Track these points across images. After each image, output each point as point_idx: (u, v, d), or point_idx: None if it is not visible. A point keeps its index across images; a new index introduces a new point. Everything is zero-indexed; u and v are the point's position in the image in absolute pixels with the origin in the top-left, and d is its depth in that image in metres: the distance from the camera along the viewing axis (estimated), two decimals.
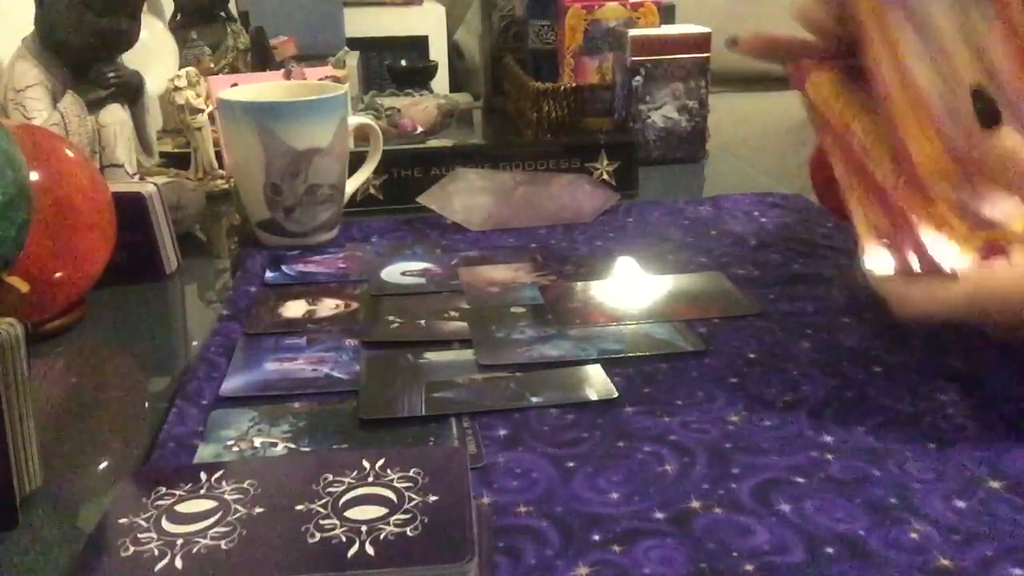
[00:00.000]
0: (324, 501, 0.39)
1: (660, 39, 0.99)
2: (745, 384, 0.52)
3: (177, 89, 0.87)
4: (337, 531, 0.37)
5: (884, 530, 0.39)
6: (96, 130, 0.78)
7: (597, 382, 0.53)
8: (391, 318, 0.62)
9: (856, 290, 0.64)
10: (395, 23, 2.18)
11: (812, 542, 0.39)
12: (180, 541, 0.37)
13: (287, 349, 0.58)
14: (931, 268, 0.47)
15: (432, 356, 0.57)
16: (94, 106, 0.78)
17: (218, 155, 0.91)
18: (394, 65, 1.29)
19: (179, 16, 1.18)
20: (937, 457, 0.45)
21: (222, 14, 1.19)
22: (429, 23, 2.23)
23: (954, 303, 0.46)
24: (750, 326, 0.60)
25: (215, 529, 0.37)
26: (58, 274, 0.60)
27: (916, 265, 0.48)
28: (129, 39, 0.79)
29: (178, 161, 0.92)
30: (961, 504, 0.41)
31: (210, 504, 0.39)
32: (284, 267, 0.72)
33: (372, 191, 0.86)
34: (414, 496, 0.39)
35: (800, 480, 0.43)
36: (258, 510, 0.38)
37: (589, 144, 0.90)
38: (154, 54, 1.03)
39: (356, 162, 0.81)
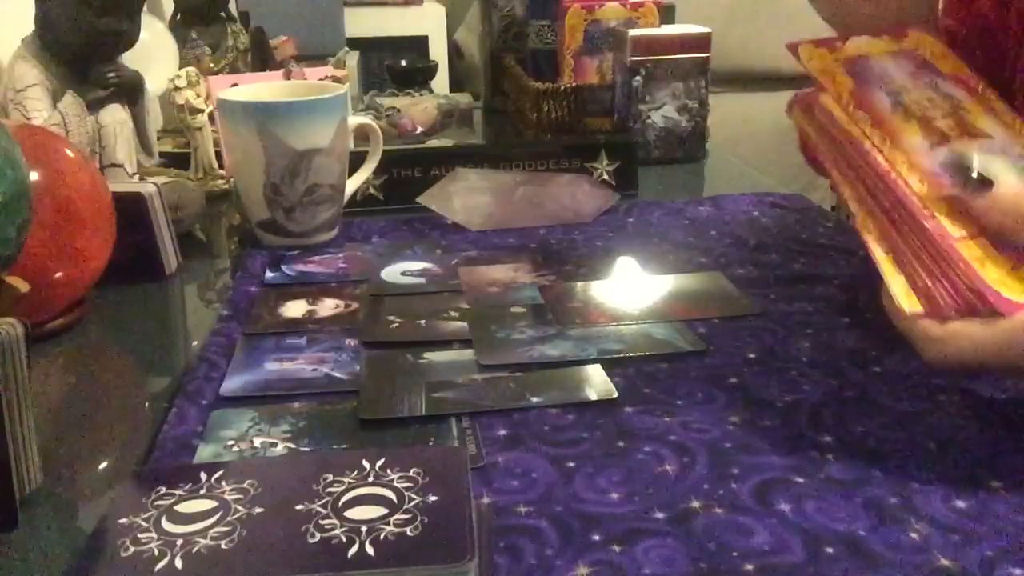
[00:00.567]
0: (324, 501, 0.39)
1: (660, 39, 0.99)
2: (745, 384, 0.52)
3: (177, 89, 0.87)
4: (337, 531, 0.37)
5: (884, 530, 0.39)
6: (96, 130, 0.78)
7: (597, 382, 0.53)
8: (391, 318, 0.62)
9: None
10: (395, 23, 2.19)
11: (812, 542, 0.39)
12: (180, 541, 0.37)
13: (287, 349, 0.58)
14: (968, 308, 0.43)
15: (432, 356, 0.57)
16: (94, 106, 0.78)
17: (218, 155, 0.91)
18: (394, 65, 1.29)
19: (179, 16, 1.18)
20: (937, 457, 0.45)
21: (222, 14, 1.19)
22: (429, 23, 2.23)
23: (994, 347, 0.42)
24: (750, 326, 0.60)
25: (215, 529, 0.37)
26: (58, 274, 0.60)
27: (949, 302, 0.44)
28: (129, 39, 0.79)
29: (178, 161, 0.92)
30: (961, 504, 0.41)
31: (210, 504, 0.39)
32: (284, 267, 0.72)
33: (372, 191, 0.86)
34: (414, 496, 0.39)
35: (800, 480, 0.43)
36: (258, 510, 0.38)
37: (589, 144, 0.90)
38: (154, 54, 1.03)
39: (356, 162, 0.81)
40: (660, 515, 0.41)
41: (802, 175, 0.76)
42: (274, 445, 0.47)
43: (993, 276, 0.43)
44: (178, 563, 0.35)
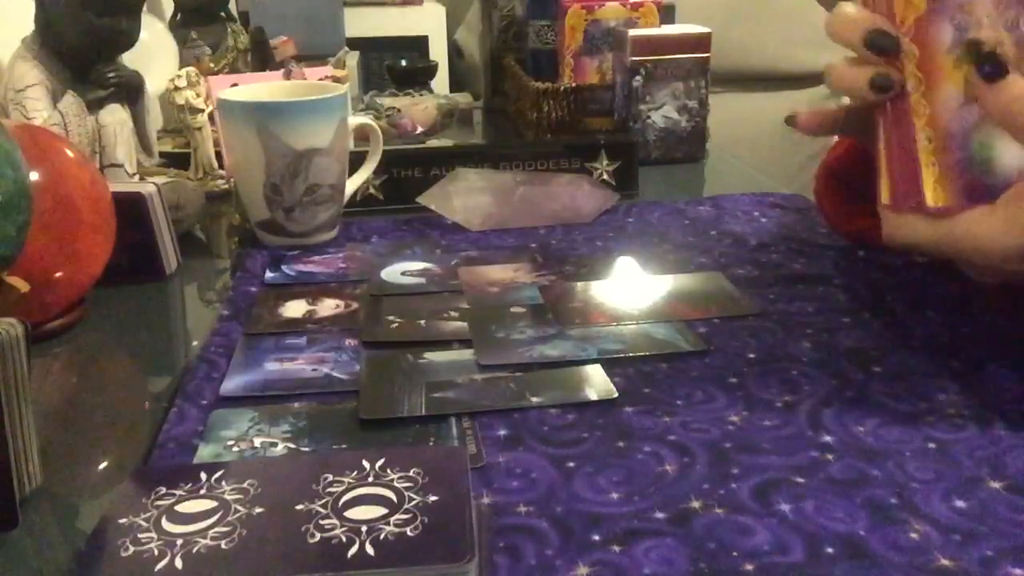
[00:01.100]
0: (324, 501, 0.39)
1: (660, 39, 0.99)
2: (745, 384, 0.52)
3: (177, 89, 0.87)
4: (337, 531, 0.37)
5: (884, 530, 0.39)
6: (96, 130, 0.78)
7: (597, 382, 0.53)
8: (391, 318, 0.62)
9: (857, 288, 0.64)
10: (395, 23, 2.19)
11: (812, 542, 0.39)
12: (180, 541, 0.37)
13: (287, 349, 0.58)
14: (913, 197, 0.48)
15: (432, 356, 0.57)
16: (94, 106, 0.78)
17: (218, 155, 0.91)
18: (394, 65, 1.29)
19: (179, 16, 1.18)
20: (937, 457, 0.45)
21: (222, 14, 1.19)
22: (429, 23, 2.23)
23: (930, 240, 0.48)
24: (750, 326, 0.60)
25: (215, 529, 0.37)
26: (58, 274, 0.60)
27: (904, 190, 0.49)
28: (129, 39, 0.79)
29: (178, 161, 0.92)
30: (961, 504, 0.41)
31: (210, 504, 0.39)
32: (284, 267, 0.72)
33: (372, 191, 0.86)
34: (414, 496, 0.39)
35: (800, 480, 0.43)
36: (258, 510, 0.38)
37: (589, 144, 0.90)
38: (154, 54, 1.03)
39: (356, 162, 0.81)
40: (660, 515, 0.41)
41: (802, 175, 0.76)
42: (274, 445, 0.47)
43: (930, 177, 0.48)
44: (178, 563, 0.35)
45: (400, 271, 0.71)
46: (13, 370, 0.42)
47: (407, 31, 2.19)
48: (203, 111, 0.88)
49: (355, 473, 0.41)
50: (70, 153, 0.63)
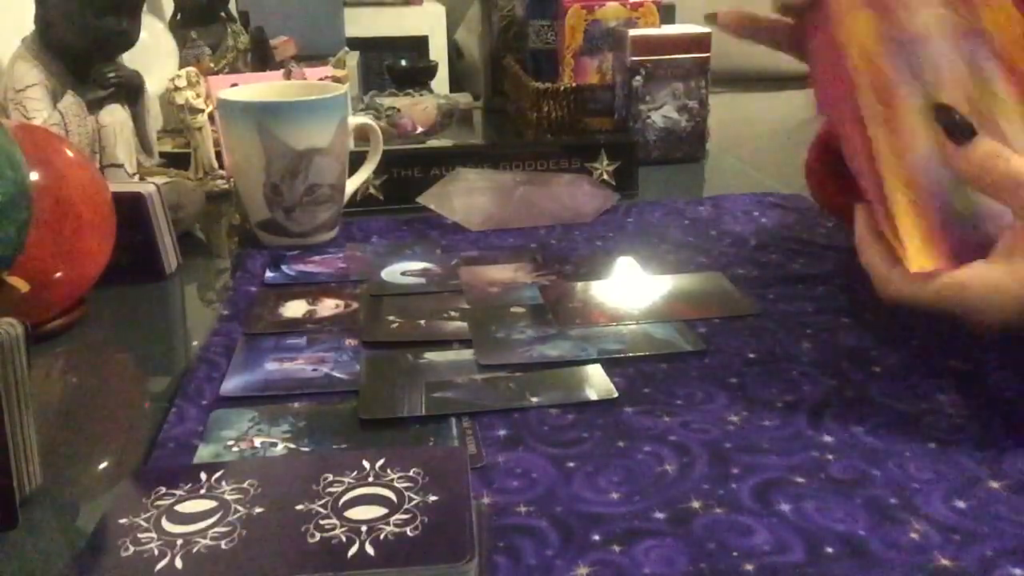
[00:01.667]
0: (324, 501, 0.39)
1: (660, 39, 0.99)
2: (745, 384, 0.52)
3: (177, 89, 0.87)
4: (337, 531, 0.37)
5: (884, 530, 0.39)
6: (96, 130, 0.78)
7: (597, 382, 0.53)
8: (391, 318, 0.62)
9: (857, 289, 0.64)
10: (395, 23, 2.19)
11: (812, 542, 0.39)
12: (180, 541, 0.37)
13: (287, 349, 0.58)
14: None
15: (432, 356, 0.57)
16: (94, 106, 0.78)
17: (218, 155, 0.91)
18: (394, 65, 1.29)
19: (179, 16, 1.18)
20: (937, 457, 0.45)
21: (222, 14, 1.19)
22: (429, 23, 2.23)
23: (926, 297, 0.47)
24: (750, 326, 0.60)
25: (215, 529, 0.37)
26: (58, 274, 0.60)
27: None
28: (129, 39, 0.79)
29: (178, 161, 0.92)
30: (961, 504, 0.41)
31: (210, 504, 0.39)
32: (284, 267, 0.72)
33: (372, 191, 0.86)
34: (414, 496, 0.39)
35: (800, 480, 0.43)
36: (258, 510, 0.38)
37: (589, 144, 0.90)
38: (154, 54, 1.03)
39: (356, 162, 0.81)
40: (660, 515, 0.41)
41: (802, 175, 0.76)
42: (274, 445, 0.47)
43: (915, 238, 0.47)
44: (178, 563, 0.35)
45: (400, 271, 0.71)
46: (13, 370, 0.42)
47: (407, 31, 2.19)
48: (203, 111, 0.88)
49: (355, 473, 0.41)
50: (70, 153, 0.63)
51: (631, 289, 0.66)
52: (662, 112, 1.00)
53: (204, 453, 0.47)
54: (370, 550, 0.35)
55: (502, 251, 0.75)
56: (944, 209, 0.48)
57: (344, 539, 0.36)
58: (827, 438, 0.47)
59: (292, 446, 0.47)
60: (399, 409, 0.50)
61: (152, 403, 0.55)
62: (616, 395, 0.51)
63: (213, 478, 0.41)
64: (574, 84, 1.08)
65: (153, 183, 0.73)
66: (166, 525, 0.38)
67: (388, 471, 0.41)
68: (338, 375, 0.55)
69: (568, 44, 1.11)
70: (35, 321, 0.47)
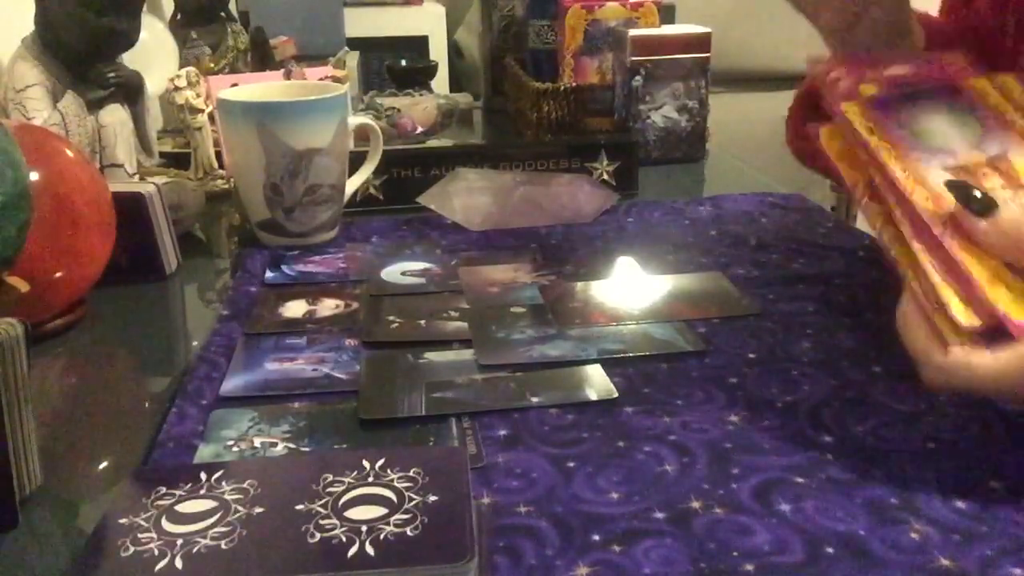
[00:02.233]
0: (324, 501, 0.39)
1: (660, 39, 0.99)
2: (745, 384, 0.52)
3: (177, 89, 0.87)
4: (337, 531, 0.37)
5: (884, 530, 0.39)
6: (96, 130, 0.78)
7: (597, 382, 0.53)
8: (391, 318, 0.62)
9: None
10: (395, 23, 2.19)
11: (812, 542, 0.39)
12: (180, 541, 0.37)
13: (287, 349, 0.58)
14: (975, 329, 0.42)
15: (432, 356, 0.57)
16: (94, 106, 0.78)
17: (218, 155, 0.91)
18: (394, 65, 1.29)
19: (179, 16, 1.18)
20: (937, 457, 0.45)
21: (222, 14, 1.19)
22: (429, 23, 2.23)
23: (998, 374, 0.40)
24: (750, 326, 0.60)
25: (215, 529, 0.37)
26: (58, 274, 0.60)
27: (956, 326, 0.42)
28: (129, 39, 0.79)
29: (178, 161, 0.92)
30: (961, 504, 0.41)
31: (210, 504, 0.39)
32: (284, 267, 0.72)
33: (372, 191, 0.86)
34: (414, 496, 0.39)
35: (800, 480, 0.43)
36: (258, 510, 0.38)
37: (589, 144, 0.90)
38: (154, 54, 1.03)
39: (356, 162, 0.81)
40: (660, 515, 0.41)
41: (802, 175, 0.76)
42: (274, 445, 0.47)
43: (1003, 297, 0.42)
44: (178, 563, 0.35)
45: (400, 271, 0.71)
46: (13, 370, 0.42)
47: (407, 31, 2.19)
48: (203, 111, 0.88)
49: (355, 473, 0.41)
50: (70, 153, 0.63)
51: (631, 289, 0.66)
52: (662, 112, 1.00)
53: (204, 453, 0.47)
54: (370, 550, 0.35)
55: (502, 251, 0.75)
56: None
57: (344, 539, 0.36)
58: (827, 438, 0.47)
59: (292, 446, 0.47)
60: (399, 409, 0.50)
61: (152, 403, 0.55)
62: (616, 395, 0.51)
63: (213, 478, 0.41)
64: (574, 84, 1.08)
65: (153, 183, 0.73)
66: (166, 525, 0.38)
67: (388, 471, 0.41)
68: (338, 375, 0.55)
69: (568, 44, 1.10)
70: (35, 321, 0.47)
